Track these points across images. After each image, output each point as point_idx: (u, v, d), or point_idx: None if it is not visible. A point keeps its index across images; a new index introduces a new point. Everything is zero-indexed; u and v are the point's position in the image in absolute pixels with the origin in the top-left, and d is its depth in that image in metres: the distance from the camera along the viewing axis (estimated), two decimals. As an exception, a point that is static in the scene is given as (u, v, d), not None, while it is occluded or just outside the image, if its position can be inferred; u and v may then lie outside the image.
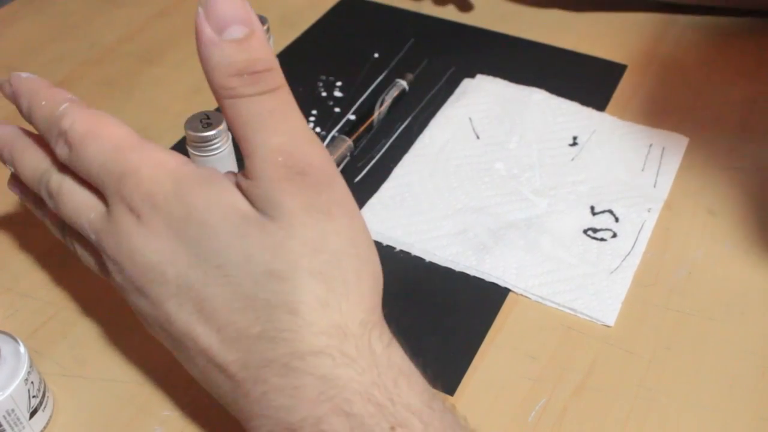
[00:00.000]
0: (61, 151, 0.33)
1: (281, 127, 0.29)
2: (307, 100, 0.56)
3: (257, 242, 0.29)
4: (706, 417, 0.37)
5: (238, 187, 0.30)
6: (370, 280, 0.31)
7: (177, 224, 0.30)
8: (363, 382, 0.28)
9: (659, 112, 0.53)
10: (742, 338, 0.40)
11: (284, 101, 0.30)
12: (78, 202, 0.33)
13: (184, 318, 0.30)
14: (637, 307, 0.41)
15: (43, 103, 0.34)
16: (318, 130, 0.53)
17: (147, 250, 0.31)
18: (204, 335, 0.30)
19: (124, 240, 0.31)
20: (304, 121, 0.31)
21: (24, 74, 0.36)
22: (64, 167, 0.34)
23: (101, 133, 0.32)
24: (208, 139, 0.41)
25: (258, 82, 0.29)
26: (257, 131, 0.29)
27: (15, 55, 0.61)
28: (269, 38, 0.50)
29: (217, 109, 0.37)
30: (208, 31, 0.29)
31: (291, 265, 0.29)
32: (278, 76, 0.30)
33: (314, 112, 0.55)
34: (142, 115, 0.55)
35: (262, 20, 0.50)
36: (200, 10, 0.29)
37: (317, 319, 0.29)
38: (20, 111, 0.36)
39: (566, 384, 0.38)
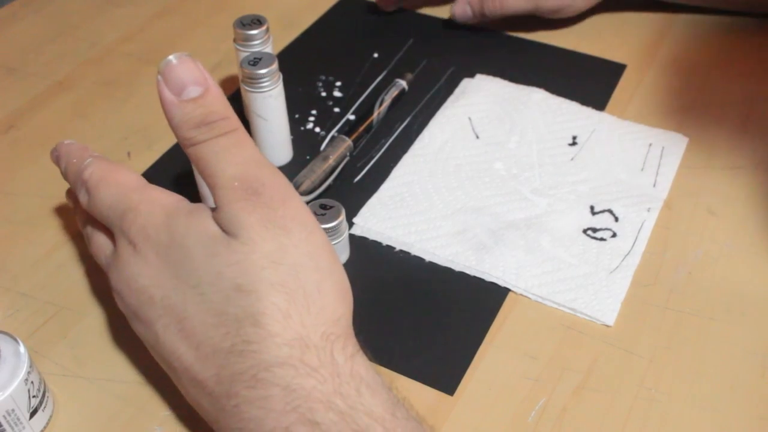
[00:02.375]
0: (83, 198, 0.37)
1: (236, 159, 0.33)
2: (306, 100, 0.56)
3: (225, 260, 0.31)
4: (706, 417, 0.37)
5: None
6: (333, 292, 0.32)
7: (163, 251, 0.33)
8: (325, 391, 0.30)
9: (659, 112, 0.53)
10: (742, 338, 0.40)
11: (239, 139, 0.33)
12: (99, 244, 0.38)
13: (170, 338, 0.33)
14: (637, 307, 0.41)
15: (74, 160, 0.39)
16: (317, 130, 0.53)
17: (139, 276, 0.34)
18: (186, 354, 0.32)
19: (124, 269, 0.35)
20: (257, 151, 0.34)
21: (67, 141, 0.41)
22: (91, 216, 0.38)
23: (111, 180, 0.37)
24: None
25: (214, 129, 0.33)
26: (216, 166, 0.33)
27: (15, 55, 0.61)
28: (268, 39, 0.50)
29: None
30: (167, 94, 0.33)
31: (254, 277, 0.31)
32: (233, 122, 0.34)
33: (314, 112, 0.55)
34: (142, 115, 0.55)
35: (261, 21, 0.50)
36: (159, 77, 0.33)
37: (280, 331, 0.31)
38: (61, 172, 0.41)
39: (566, 384, 0.38)
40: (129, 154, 0.52)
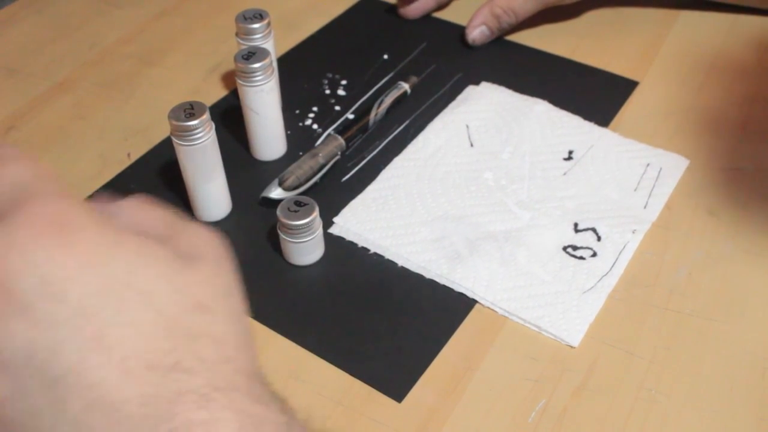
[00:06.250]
0: None
1: None
2: (309, 97, 0.55)
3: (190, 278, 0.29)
4: (706, 417, 0.37)
5: None
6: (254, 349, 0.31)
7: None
8: (278, 422, 0.27)
9: (655, 122, 0.53)
10: (742, 338, 0.40)
11: None
12: None
13: (75, 347, 0.27)
14: (637, 308, 0.41)
15: None
16: (315, 126, 0.53)
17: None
18: (96, 368, 0.27)
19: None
20: None
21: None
22: None
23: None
24: (190, 129, 0.42)
25: None
26: None
27: (15, 56, 0.61)
28: (269, 33, 0.50)
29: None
30: None
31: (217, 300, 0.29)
32: None
33: (315, 108, 0.55)
34: (142, 116, 0.55)
35: (263, 15, 0.50)
36: None
37: (236, 357, 0.28)
38: None
39: (566, 385, 0.38)
40: (129, 154, 0.52)
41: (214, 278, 0.29)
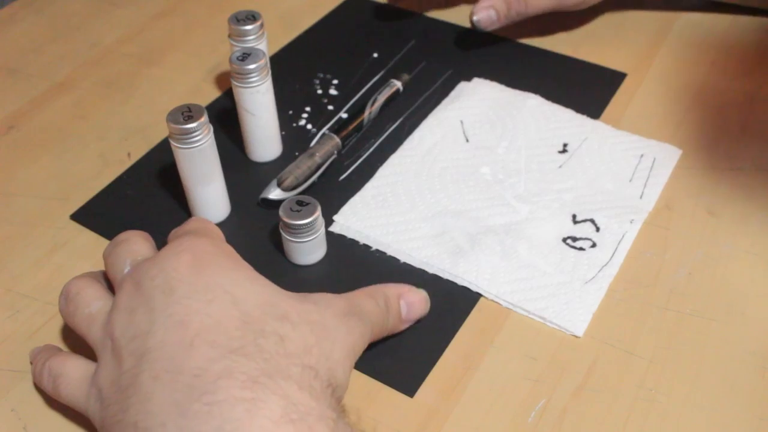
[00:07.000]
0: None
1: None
2: (301, 97, 0.55)
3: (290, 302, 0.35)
4: (706, 417, 0.37)
5: None
6: (344, 359, 0.34)
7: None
8: (325, 416, 0.30)
9: (655, 122, 0.53)
10: (742, 338, 0.40)
11: None
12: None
13: (167, 324, 0.32)
14: (637, 308, 0.41)
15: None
16: (309, 126, 0.53)
17: (174, 268, 0.34)
18: (172, 345, 0.31)
19: (159, 262, 0.36)
20: None
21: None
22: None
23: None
24: (188, 132, 0.42)
25: None
26: None
27: (15, 55, 0.61)
28: (263, 34, 0.50)
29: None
30: None
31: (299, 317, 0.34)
32: None
33: (307, 108, 0.55)
34: (142, 116, 0.55)
35: (256, 17, 0.50)
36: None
37: (298, 354, 0.32)
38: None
39: (566, 385, 0.38)
40: (129, 154, 0.52)
41: (315, 312, 0.34)
